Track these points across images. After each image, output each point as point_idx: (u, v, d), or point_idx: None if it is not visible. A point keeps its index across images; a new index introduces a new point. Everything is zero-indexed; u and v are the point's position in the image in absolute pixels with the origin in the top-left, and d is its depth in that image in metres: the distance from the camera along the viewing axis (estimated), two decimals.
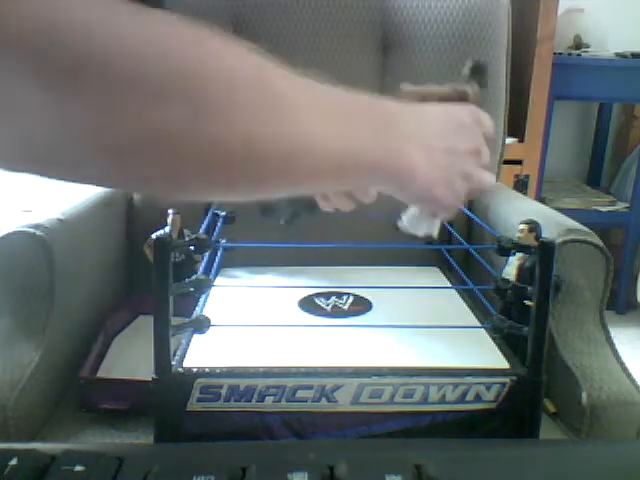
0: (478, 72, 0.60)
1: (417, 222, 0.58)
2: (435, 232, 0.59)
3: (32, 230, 0.69)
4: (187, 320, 0.55)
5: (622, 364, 0.71)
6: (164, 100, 0.30)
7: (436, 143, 0.49)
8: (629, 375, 0.70)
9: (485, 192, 0.58)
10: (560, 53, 1.94)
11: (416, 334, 0.62)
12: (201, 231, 0.67)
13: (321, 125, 0.38)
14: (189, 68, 0.31)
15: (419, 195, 0.49)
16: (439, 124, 0.51)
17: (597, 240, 0.72)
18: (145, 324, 0.84)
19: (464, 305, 0.73)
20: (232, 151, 0.33)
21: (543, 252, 0.52)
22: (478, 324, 0.66)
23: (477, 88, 0.59)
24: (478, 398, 0.55)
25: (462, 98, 0.58)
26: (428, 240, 0.93)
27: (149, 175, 0.32)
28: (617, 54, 2.00)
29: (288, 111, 0.36)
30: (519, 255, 0.67)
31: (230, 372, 0.54)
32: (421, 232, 0.58)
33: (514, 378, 0.55)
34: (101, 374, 0.72)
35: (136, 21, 0.30)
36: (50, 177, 0.31)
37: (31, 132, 0.29)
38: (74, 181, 0.33)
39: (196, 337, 0.58)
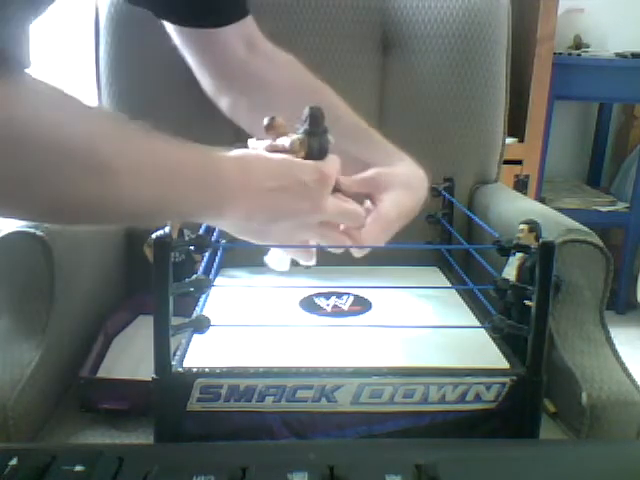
0: (314, 122, 0.57)
1: (277, 260, 0.64)
2: (283, 268, 0.65)
3: (32, 230, 0.69)
4: (187, 320, 0.55)
5: (622, 364, 0.71)
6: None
7: (265, 194, 0.53)
8: (629, 375, 0.70)
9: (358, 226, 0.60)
10: (560, 53, 1.94)
11: (416, 334, 0.62)
12: (201, 231, 0.67)
13: (137, 187, 0.45)
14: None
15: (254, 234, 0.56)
16: (272, 180, 0.53)
17: (597, 240, 0.72)
18: (145, 324, 0.84)
19: (464, 305, 0.73)
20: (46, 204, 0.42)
21: (543, 252, 0.52)
22: (478, 324, 0.66)
23: (305, 139, 0.56)
24: (478, 398, 0.55)
25: (294, 152, 0.57)
26: (428, 240, 0.94)
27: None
28: (617, 54, 2.00)
29: (106, 176, 0.43)
30: (519, 255, 0.67)
31: (230, 372, 0.54)
32: (279, 268, 0.65)
33: (514, 378, 0.55)
34: (101, 374, 0.72)
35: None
36: None
37: None
38: None
39: (196, 337, 0.58)
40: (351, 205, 0.59)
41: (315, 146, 0.56)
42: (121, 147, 0.44)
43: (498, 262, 0.68)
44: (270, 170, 0.54)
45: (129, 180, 0.44)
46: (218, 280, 0.76)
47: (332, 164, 0.56)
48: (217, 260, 0.75)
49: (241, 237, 0.57)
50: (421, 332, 0.62)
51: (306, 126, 0.56)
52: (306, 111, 0.57)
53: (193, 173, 0.49)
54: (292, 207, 0.54)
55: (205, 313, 0.57)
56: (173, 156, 0.48)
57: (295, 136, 0.56)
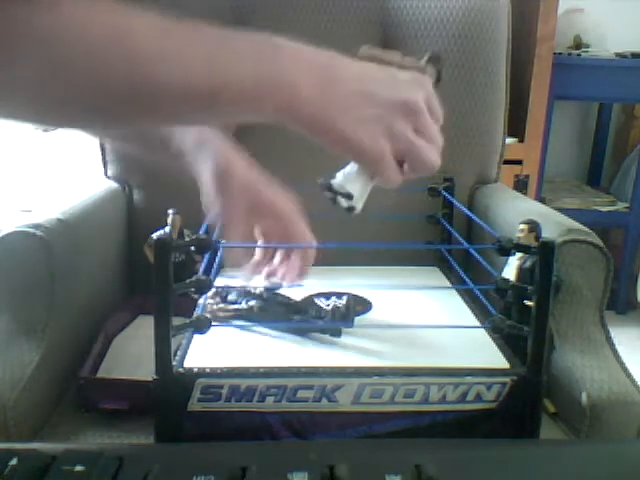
0: (435, 64, 0.55)
1: (351, 180, 0.51)
2: (360, 198, 0.51)
3: (32, 230, 0.69)
4: (188, 320, 0.55)
5: (622, 364, 0.71)
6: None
7: (346, 79, 0.46)
8: (629, 375, 0.70)
9: (427, 173, 0.51)
10: (560, 53, 1.94)
11: (416, 334, 0.62)
12: (201, 232, 0.67)
13: (181, 53, 0.42)
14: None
15: (329, 137, 0.46)
16: (360, 67, 0.48)
17: (597, 240, 0.72)
18: (145, 324, 0.84)
19: (464, 305, 0.73)
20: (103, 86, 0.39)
21: (543, 252, 0.52)
22: (478, 324, 0.66)
23: (434, 74, 0.55)
24: (478, 398, 0.55)
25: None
26: (428, 240, 0.94)
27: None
28: (617, 54, 2.00)
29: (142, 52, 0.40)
30: (519, 255, 0.67)
31: (231, 372, 0.54)
32: (357, 194, 0.51)
33: (514, 378, 0.55)
34: (101, 374, 0.72)
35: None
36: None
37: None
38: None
39: (197, 337, 0.58)
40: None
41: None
42: (152, 31, 0.41)
43: (498, 262, 0.68)
44: (355, 63, 0.48)
45: (170, 66, 0.41)
46: (218, 280, 0.76)
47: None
48: (217, 260, 0.75)
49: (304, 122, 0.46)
50: (421, 332, 0.62)
51: (427, 65, 0.55)
52: (427, 53, 0.56)
53: (246, 44, 0.44)
54: (379, 92, 0.47)
55: (205, 313, 0.57)
56: (218, 32, 0.44)
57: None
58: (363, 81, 0.47)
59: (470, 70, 1.00)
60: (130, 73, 0.40)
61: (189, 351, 0.57)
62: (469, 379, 0.55)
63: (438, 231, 0.95)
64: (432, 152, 0.51)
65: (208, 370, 0.54)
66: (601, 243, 0.72)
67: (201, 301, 0.66)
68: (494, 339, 0.62)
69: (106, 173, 1.02)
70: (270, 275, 0.65)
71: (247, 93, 0.43)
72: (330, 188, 0.51)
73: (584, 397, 0.67)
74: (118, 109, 0.42)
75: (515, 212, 0.86)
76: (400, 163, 0.49)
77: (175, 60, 0.41)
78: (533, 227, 0.66)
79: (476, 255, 0.69)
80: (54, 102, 0.40)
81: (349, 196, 0.50)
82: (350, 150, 0.47)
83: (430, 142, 0.50)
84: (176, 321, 0.52)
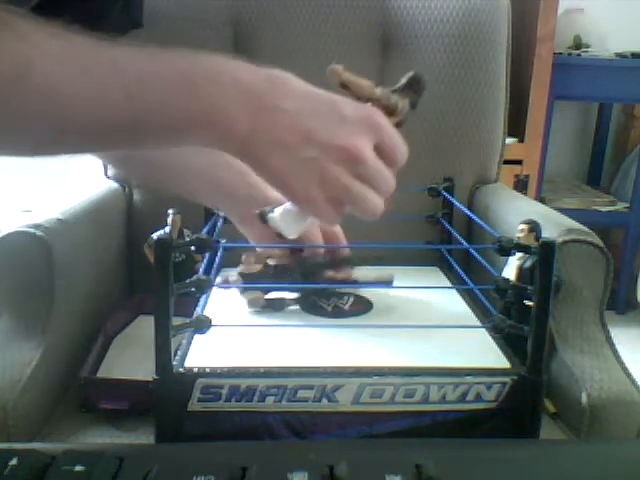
0: (415, 87, 0.52)
1: (286, 217, 0.51)
2: (291, 234, 0.52)
3: (32, 230, 0.69)
4: (188, 320, 0.55)
5: (622, 364, 0.71)
6: None
7: (285, 111, 0.42)
8: (629, 375, 0.70)
9: (369, 219, 0.47)
10: (560, 53, 1.94)
11: (416, 334, 0.62)
12: (202, 232, 0.67)
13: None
14: None
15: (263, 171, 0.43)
16: (303, 97, 0.43)
17: (597, 240, 0.72)
18: (145, 324, 0.84)
19: (464, 305, 0.73)
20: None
21: (543, 252, 0.52)
22: (478, 324, 0.66)
23: (407, 105, 0.52)
24: (479, 398, 0.55)
25: (388, 110, 0.50)
26: (428, 240, 0.94)
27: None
28: (617, 54, 2.00)
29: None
30: (519, 255, 0.67)
31: (231, 372, 0.54)
32: (287, 232, 0.52)
33: (515, 378, 0.55)
34: (101, 374, 0.72)
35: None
36: None
37: None
38: None
39: (197, 337, 0.58)
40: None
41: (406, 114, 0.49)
42: (66, 59, 0.38)
43: (498, 262, 0.68)
44: (299, 89, 0.43)
45: (85, 96, 0.38)
46: (218, 280, 0.76)
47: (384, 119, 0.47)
48: (217, 260, 0.75)
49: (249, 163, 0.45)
50: (421, 332, 0.62)
51: (406, 89, 0.51)
52: (409, 74, 0.52)
53: (174, 72, 0.41)
54: (318, 132, 0.42)
55: (206, 313, 0.57)
56: (157, 60, 0.41)
57: (393, 95, 0.49)
58: (303, 116, 0.42)
59: (470, 70, 1.00)
60: (48, 108, 0.38)
61: (189, 351, 0.57)
62: (469, 379, 0.55)
63: (438, 231, 0.95)
64: (372, 199, 0.46)
65: (208, 370, 0.54)
66: (601, 243, 0.72)
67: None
68: (494, 339, 0.62)
69: (106, 173, 1.02)
70: None
71: (174, 127, 0.42)
72: (264, 220, 0.52)
73: (584, 397, 0.67)
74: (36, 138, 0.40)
75: (515, 212, 0.86)
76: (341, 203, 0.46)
77: (92, 95, 0.39)
78: (533, 227, 0.66)
79: (476, 255, 0.69)
80: None
81: (280, 235, 0.52)
82: (281, 189, 0.45)
83: (375, 188, 0.46)
84: (176, 321, 0.52)
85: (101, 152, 0.57)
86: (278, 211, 0.52)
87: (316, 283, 0.65)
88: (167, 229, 0.79)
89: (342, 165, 0.43)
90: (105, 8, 0.50)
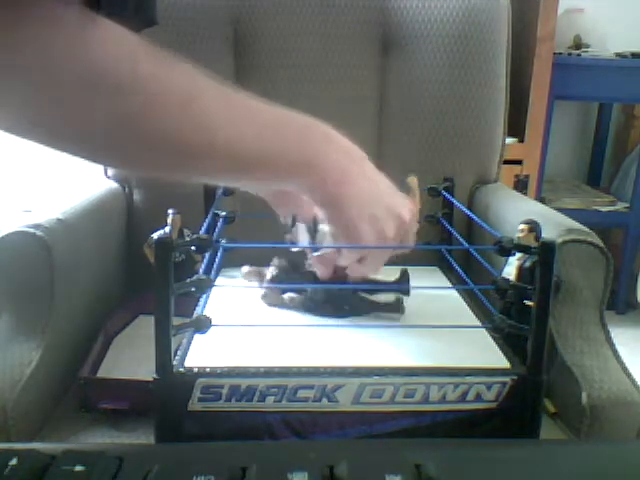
0: None
1: (318, 236, 0.62)
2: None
3: (32, 230, 0.69)
4: (188, 320, 0.55)
5: (622, 364, 0.71)
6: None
7: (365, 177, 0.53)
8: (629, 375, 0.70)
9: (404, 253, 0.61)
10: (560, 53, 1.94)
11: (416, 334, 0.62)
12: (202, 231, 0.67)
13: (237, 137, 0.45)
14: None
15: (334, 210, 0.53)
16: (373, 171, 0.55)
17: (597, 240, 0.72)
18: (145, 324, 0.84)
19: (464, 305, 0.73)
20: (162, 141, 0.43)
21: (543, 252, 0.52)
22: (478, 324, 0.66)
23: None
24: (479, 398, 0.55)
25: None
26: (428, 240, 0.94)
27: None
28: (617, 54, 2.00)
29: (203, 127, 0.43)
30: (519, 255, 0.67)
31: (231, 372, 0.54)
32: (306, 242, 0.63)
33: (515, 377, 0.55)
34: (101, 374, 0.72)
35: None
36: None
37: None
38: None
39: (197, 337, 0.58)
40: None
41: None
42: (218, 98, 0.44)
43: (498, 262, 0.68)
44: (371, 165, 0.55)
45: (229, 132, 0.44)
46: (218, 280, 0.76)
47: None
48: (217, 260, 0.75)
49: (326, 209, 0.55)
50: (421, 332, 0.62)
51: None
52: None
53: (295, 123, 0.49)
54: (384, 197, 0.55)
55: (206, 313, 0.57)
56: (272, 110, 0.48)
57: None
58: (376, 183, 0.55)
59: (470, 70, 1.00)
60: (194, 134, 0.43)
61: (189, 351, 0.57)
62: (469, 379, 0.55)
63: (438, 231, 0.95)
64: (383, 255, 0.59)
65: (208, 370, 0.54)
66: (601, 243, 0.72)
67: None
68: (494, 339, 0.62)
69: (106, 173, 1.03)
70: None
71: (282, 170, 0.49)
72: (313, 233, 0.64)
73: (584, 397, 0.67)
74: (164, 160, 0.45)
75: (515, 212, 0.86)
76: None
77: (233, 129, 0.45)
78: (533, 227, 0.66)
79: (476, 255, 0.69)
80: (113, 147, 0.42)
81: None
82: (351, 236, 0.54)
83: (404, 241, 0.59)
84: (176, 321, 0.52)
85: (200, 179, 0.63)
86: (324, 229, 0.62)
87: (333, 283, 0.65)
88: (167, 229, 0.79)
89: (394, 224, 0.55)
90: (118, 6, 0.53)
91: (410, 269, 0.86)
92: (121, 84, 0.38)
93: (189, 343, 0.58)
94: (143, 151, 0.43)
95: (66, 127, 0.39)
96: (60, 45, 0.36)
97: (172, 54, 0.42)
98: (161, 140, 0.42)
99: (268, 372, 0.54)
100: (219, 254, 0.75)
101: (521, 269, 0.67)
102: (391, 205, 0.56)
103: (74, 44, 0.37)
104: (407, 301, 0.71)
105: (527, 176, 1.84)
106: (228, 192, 0.84)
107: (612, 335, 0.73)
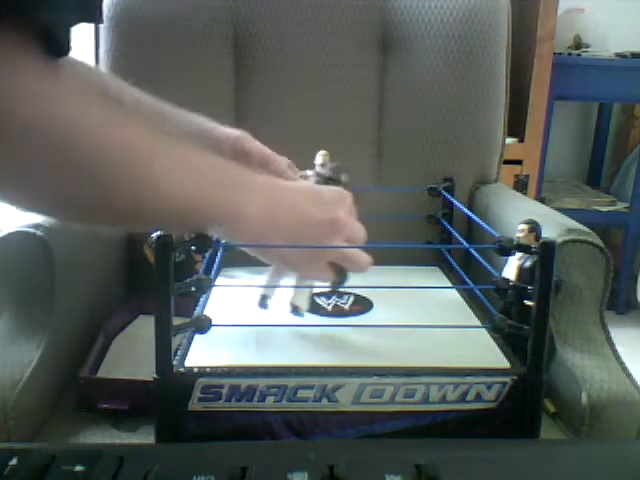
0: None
1: (297, 295, 0.63)
2: (303, 306, 0.63)
3: (32, 230, 0.69)
4: (188, 320, 0.55)
5: (622, 364, 0.71)
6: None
7: (289, 205, 0.54)
8: (629, 375, 0.70)
9: (360, 272, 0.59)
10: (560, 53, 1.94)
11: (416, 334, 0.62)
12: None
13: (174, 187, 0.45)
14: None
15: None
16: (297, 191, 0.56)
17: (597, 240, 0.72)
18: (145, 324, 0.84)
19: (464, 305, 0.73)
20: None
21: (543, 252, 0.52)
22: (478, 324, 0.66)
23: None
24: (479, 398, 0.55)
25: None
26: (428, 240, 0.94)
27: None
28: (617, 54, 2.00)
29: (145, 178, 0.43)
30: (519, 255, 0.67)
31: (231, 372, 0.54)
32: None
33: (515, 377, 0.55)
34: (101, 374, 0.72)
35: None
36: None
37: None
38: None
39: (197, 337, 0.58)
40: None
41: None
42: (159, 149, 0.44)
43: (498, 262, 0.68)
44: (293, 185, 0.58)
45: (167, 180, 0.44)
46: (218, 280, 0.76)
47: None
48: (217, 260, 0.75)
49: (262, 257, 0.57)
50: (421, 332, 0.62)
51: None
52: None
53: (219, 171, 0.50)
54: (314, 215, 0.55)
55: (206, 313, 0.57)
56: (205, 159, 0.49)
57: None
58: (300, 206, 0.54)
59: (470, 70, 1.00)
60: (132, 185, 0.42)
61: (189, 351, 0.57)
62: (469, 379, 0.55)
63: (438, 231, 0.95)
64: (362, 256, 0.58)
65: (208, 370, 0.54)
66: (601, 243, 0.72)
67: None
68: (494, 339, 0.62)
69: None
70: None
71: (208, 216, 0.49)
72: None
73: (584, 397, 0.67)
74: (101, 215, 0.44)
75: (515, 212, 0.86)
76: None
77: (173, 178, 0.44)
78: (533, 227, 0.66)
79: (476, 255, 0.69)
80: (52, 198, 0.40)
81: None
82: (293, 269, 0.58)
83: (354, 240, 0.57)
84: (176, 321, 0.52)
85: (114, 226, 0.61)
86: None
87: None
88: None
89: (335, 236, 0.54)
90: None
91: (410, 269, 0.86)
92: (70, 132, 0.37)
93: (189, 343, 0.58)
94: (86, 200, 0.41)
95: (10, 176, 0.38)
96: (17, 97, 0.34)
97: (131, 103, 0.42)
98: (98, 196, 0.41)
99: (268, 372, 0.54)
100: (219, 254, 0.75)
101: (521, 269, 0.67)
102: (325, 204, 0.56)
103: (33, 98, 0.35)
104: (407, 301, 0.71)
105: (527, 176, 1.84)
106: None
107: (612, 335, 0.73)
